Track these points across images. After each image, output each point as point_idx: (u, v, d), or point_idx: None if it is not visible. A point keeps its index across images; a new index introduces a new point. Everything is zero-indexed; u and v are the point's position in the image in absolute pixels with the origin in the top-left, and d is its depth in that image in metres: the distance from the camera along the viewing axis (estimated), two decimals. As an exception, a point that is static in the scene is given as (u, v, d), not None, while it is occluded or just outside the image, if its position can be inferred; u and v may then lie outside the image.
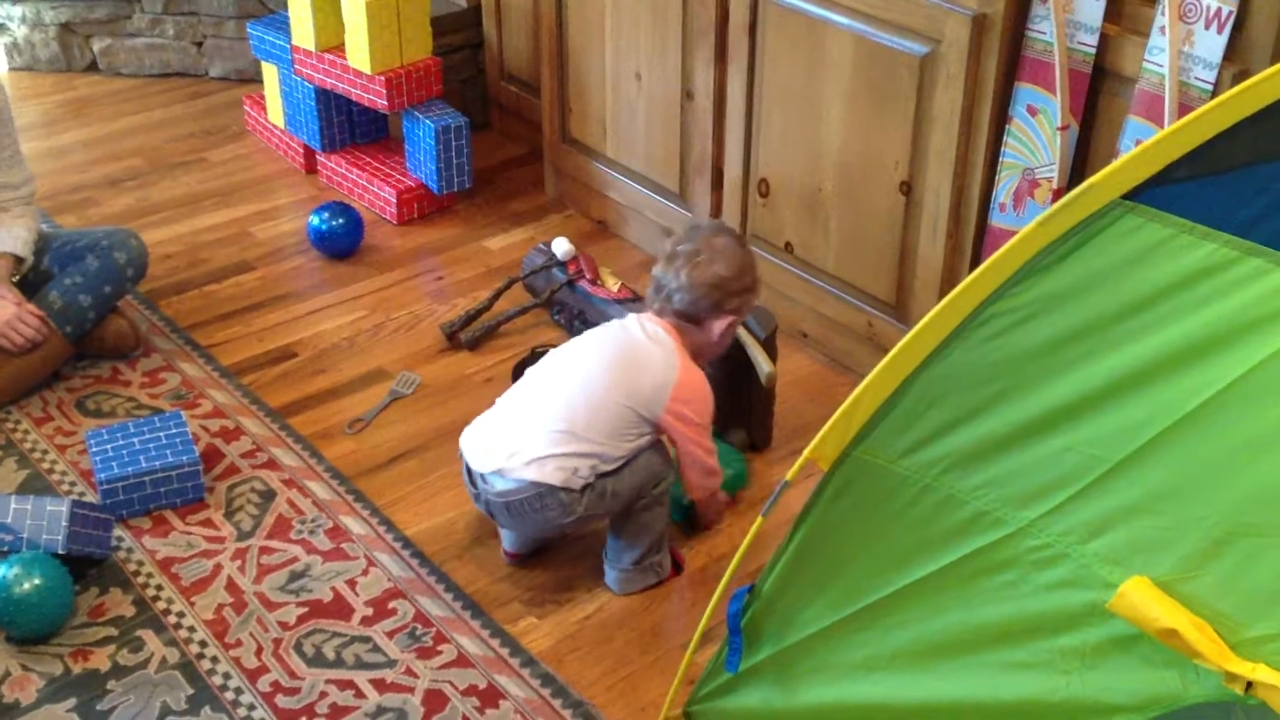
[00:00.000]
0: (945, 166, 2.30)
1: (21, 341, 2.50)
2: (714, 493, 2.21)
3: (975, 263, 2.31)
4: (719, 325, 2.12)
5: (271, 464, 2.41)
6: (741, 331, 2.34)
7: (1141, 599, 1.40)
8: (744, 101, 2.63)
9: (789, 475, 1.63)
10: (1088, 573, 1.47)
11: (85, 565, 2.16)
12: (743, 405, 2.39)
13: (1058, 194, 2.16)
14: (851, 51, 2.38)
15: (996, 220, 2.28)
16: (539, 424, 2.04)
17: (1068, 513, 1.48)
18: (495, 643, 2.06)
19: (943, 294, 1.79)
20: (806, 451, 1.61)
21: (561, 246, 2.77)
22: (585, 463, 2.02)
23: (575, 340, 2.16)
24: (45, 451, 2.43)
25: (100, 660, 2.02)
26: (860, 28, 2.35)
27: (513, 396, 2.13)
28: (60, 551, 2.09)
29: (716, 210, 2.79)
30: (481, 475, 2.07)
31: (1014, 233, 1.56)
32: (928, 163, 2.33)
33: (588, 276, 2.71)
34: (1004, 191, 2.26)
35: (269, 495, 2.34)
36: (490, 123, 3.49)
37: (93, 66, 3.86)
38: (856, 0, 2.33)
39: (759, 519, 1.66)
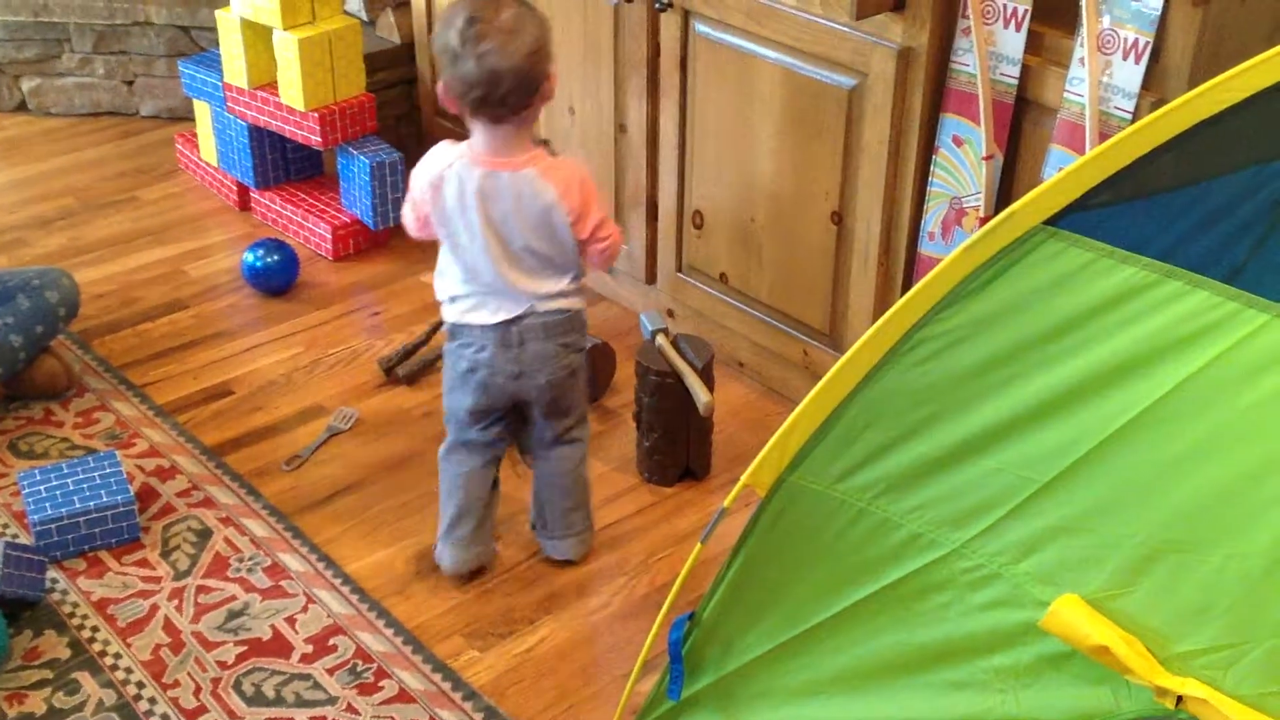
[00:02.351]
0: (875, 197, 2.34)
1: (-49, 383, 2.47)
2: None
3: (906, 291, 2.34)
4: (547, 89, 2.00)
5: (208, 502, 2.39)
6: (679, 361, 2.36)
7: (1072, 616, 1.43)
8: (677, 134, 2.66)
9: (726, 502, 1.64)
10: (1020, 592, 1.49)
11: (19, 607, 2.13)
12: (681, 434, 2.41)
13: (984, 222, 2.20)
14: (781, 85, 2.42)
15: (926, 249, 2.33)
16: (523, 285, 2.08)
17: (999, 533, 1.51)
18: (437, 677, 2.05)
19: (875, 322, 1.82)
20: (743, 478, 1.62)
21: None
22: (576, 286, 2.13)
23: (462, 234, 2.07)
24: (-24, 494, 2.40)
25: (36, 704, 1.99)
26: (789, 61, 2.39)
27: (479, 288, 2.10)
28: (-7, 596, 2.06)
29: (652, 242, 2.81)
30: (509, 323, 2.08)
31: (943, 260, 1.59)
32: (858, 193, 2.37)
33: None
34: (932, 220, 2.30)
35: (206, 534, 2.32)
36: (425, 158, 3.49)
37: (22, 106, 3.82)
38: (785, 34, 2.37)
39: (698, 546, 1.68)
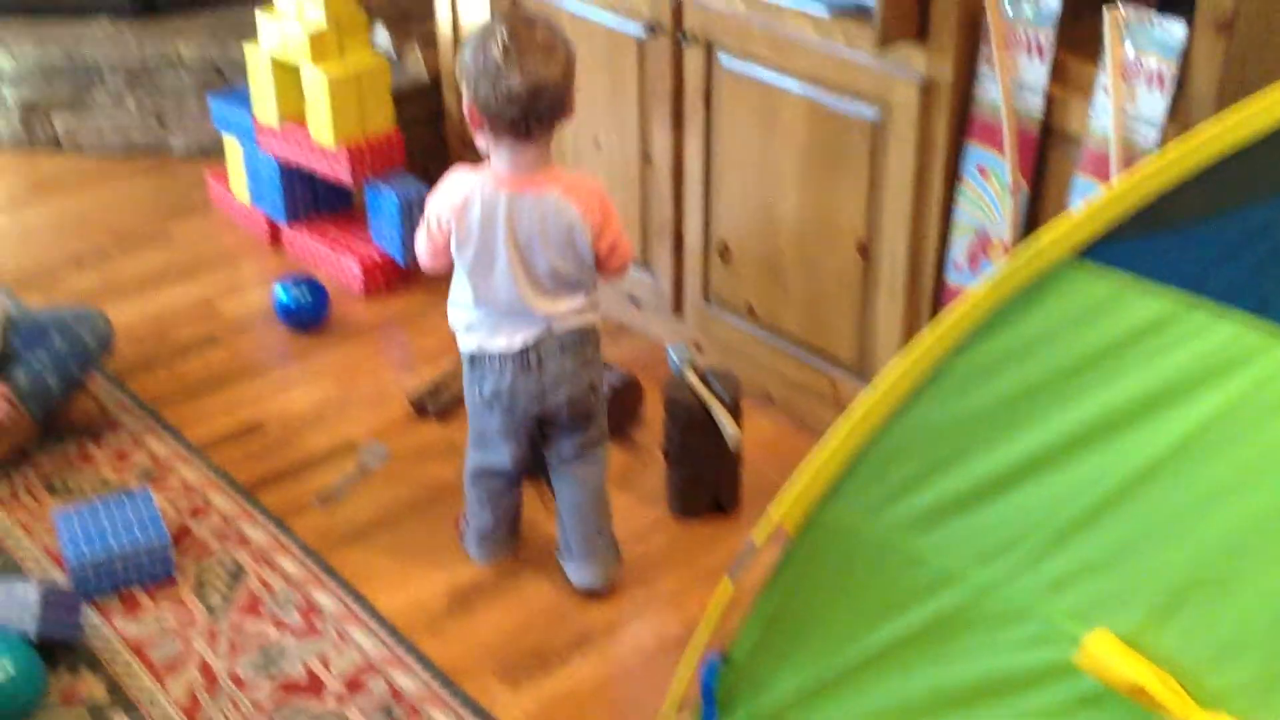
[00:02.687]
0: (900, 228, 2.34)
1: (-12, 423, 2.50)
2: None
3: (934, 322, 2.34)
4: (571, 105, 2.07)
5: (241, 540, 2.41)
6: (707, 395, 2.36)
7: (1105, 653, 1.42)
8: (702, 166, 2.67)
9: (756, 539, 1.64)
10: (1053, 629, 1.48)
11: (56, 648, 2.15)
12: (709, 469, 2.41)
13: (1011, 253, 2.20)
14: (804, 116, 2.42)
15: (953, 279, 2.32)
16: (541, 307, 2.12)
17: (1031, 568, 1.50)
18: (470, 716, 2.05)
19: (903, 354, 1.82)
20: (772, 514, 1.62)
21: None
22: (590, 302, 2.19)
23: (486, 257, 2.11)
24: (12, 533, 2.42)
25: (72, 745, 2.01)
26: (812, 93, 2.39)
27: (495, 312, 2.15)
28: (32, 637, 2.08)
29: (678, 274, 2.82)
30: (527, 347, 2.13)
31: (969, 292, 1.59)
32: (883, 224, 2.37)
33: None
34: (959, 251, 2.30)
35: (239, 572, 2.33)
36: (453, 191, 3.51)
37: (55, 144, 3.87)
38: (808, 67, 2.38)
39: (727, 583, 1.68)
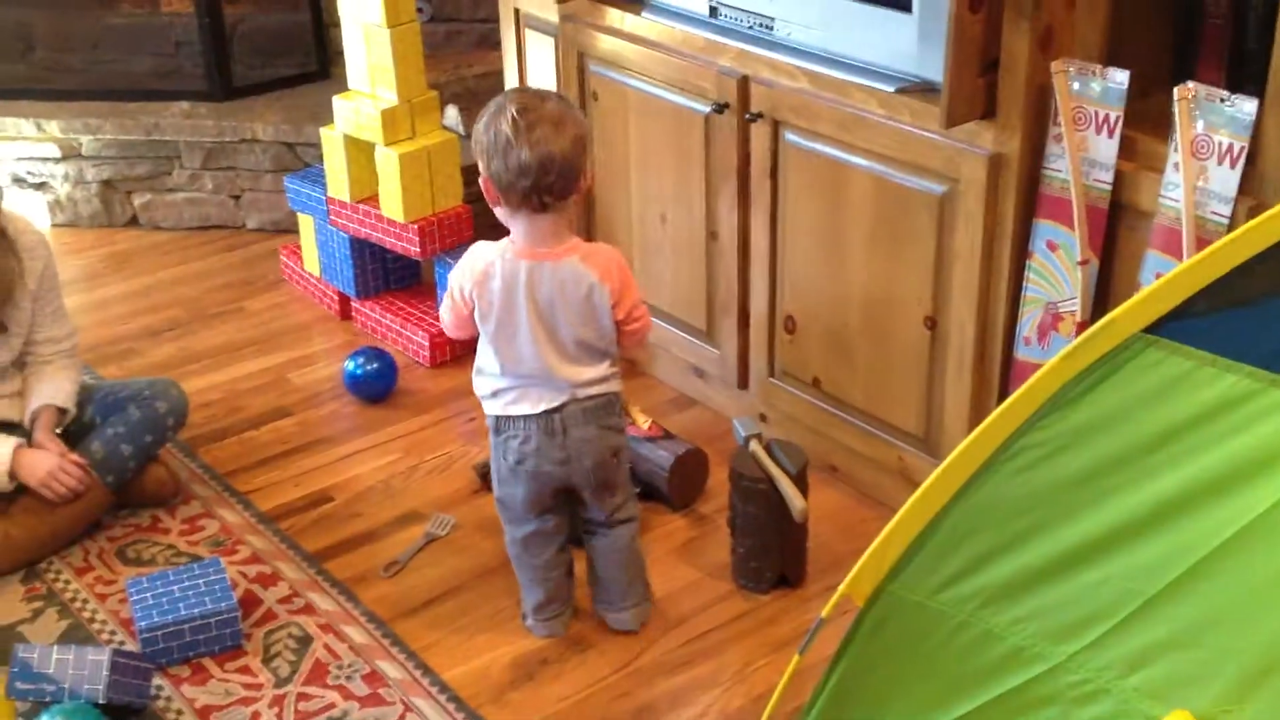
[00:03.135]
0: (969, 301, 2.34)
1: (64, 491, 2.54)
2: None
3: (1002, 396, 2.33)
4: (584, 183, 2.12)
5: (308, 609, 2.43)
6: (772, 467, 2.36)
7: (1184, 733, 1.40)
8: (768, 241, 2.69)
9: (824, 612, 1.64)
10: (1130, 708, 1.47)
11: (125, 714, 2.17)
12: (775, 542, 2.40)
13: (1081, 327, 2.19)
14: (871, 192, 2.44)
15: (1022, 354, 2.31)
16: (565, 373, 2.16)
17: (1106, 647, 1.49)
18: (534, 787, 2.05)
19: (971, 427, 1.82)
20: (841, 587, 1.62)
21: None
22: (613, 372, 2.23)
23: (508, 327, 2.15)
24: (86, 601, 2.45)
25: (139, 812, 2.02)
26: (879, 169, 2.41)
27: (520, 380, 2.18)
28: (101, 701, 2.10)
29: (744, 347, 2.83)
30: (551, 410, 2.17)
31: (1040, 366, 1.59)
32: (951, 298, 2.37)
33: (619, 415, 2.74)
34: (1028, 325, 2.29)
35: (306, 641, 2.35)
36: (520, 266, 3.56)
37: (133, 221, 3.97)
38: (875, 143, 2.40)
39: (796, 657, 1.67)
